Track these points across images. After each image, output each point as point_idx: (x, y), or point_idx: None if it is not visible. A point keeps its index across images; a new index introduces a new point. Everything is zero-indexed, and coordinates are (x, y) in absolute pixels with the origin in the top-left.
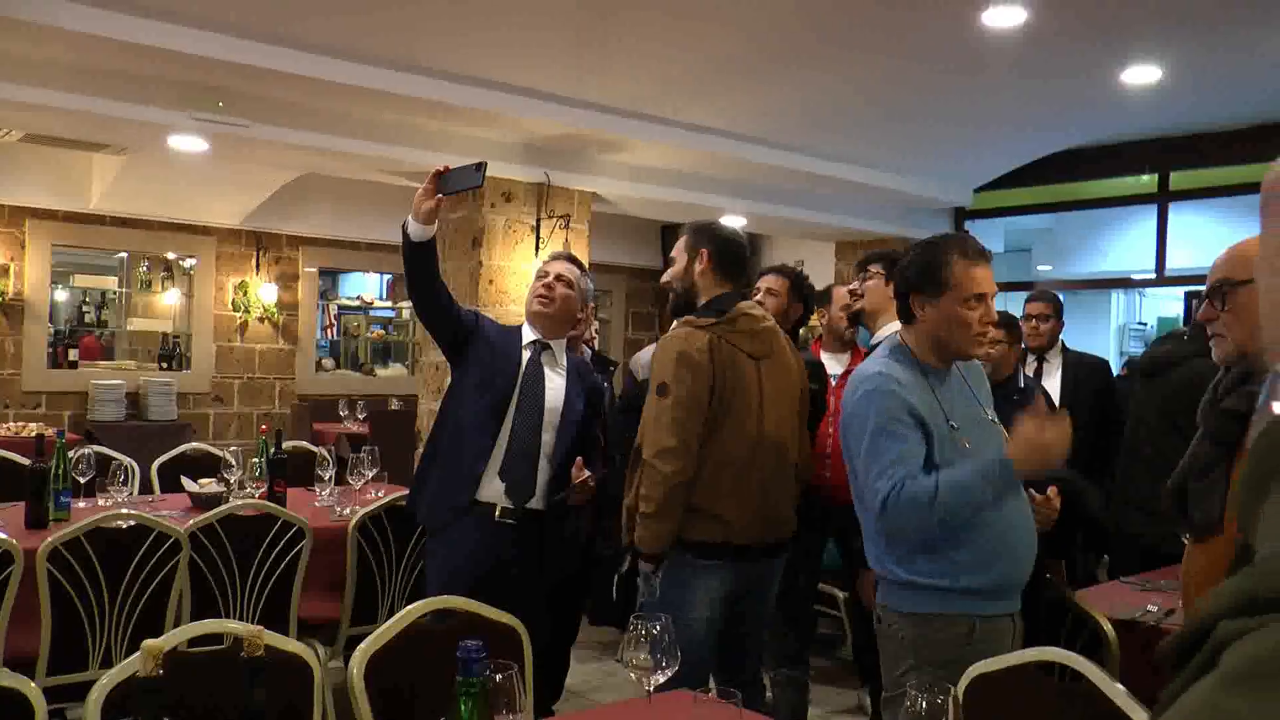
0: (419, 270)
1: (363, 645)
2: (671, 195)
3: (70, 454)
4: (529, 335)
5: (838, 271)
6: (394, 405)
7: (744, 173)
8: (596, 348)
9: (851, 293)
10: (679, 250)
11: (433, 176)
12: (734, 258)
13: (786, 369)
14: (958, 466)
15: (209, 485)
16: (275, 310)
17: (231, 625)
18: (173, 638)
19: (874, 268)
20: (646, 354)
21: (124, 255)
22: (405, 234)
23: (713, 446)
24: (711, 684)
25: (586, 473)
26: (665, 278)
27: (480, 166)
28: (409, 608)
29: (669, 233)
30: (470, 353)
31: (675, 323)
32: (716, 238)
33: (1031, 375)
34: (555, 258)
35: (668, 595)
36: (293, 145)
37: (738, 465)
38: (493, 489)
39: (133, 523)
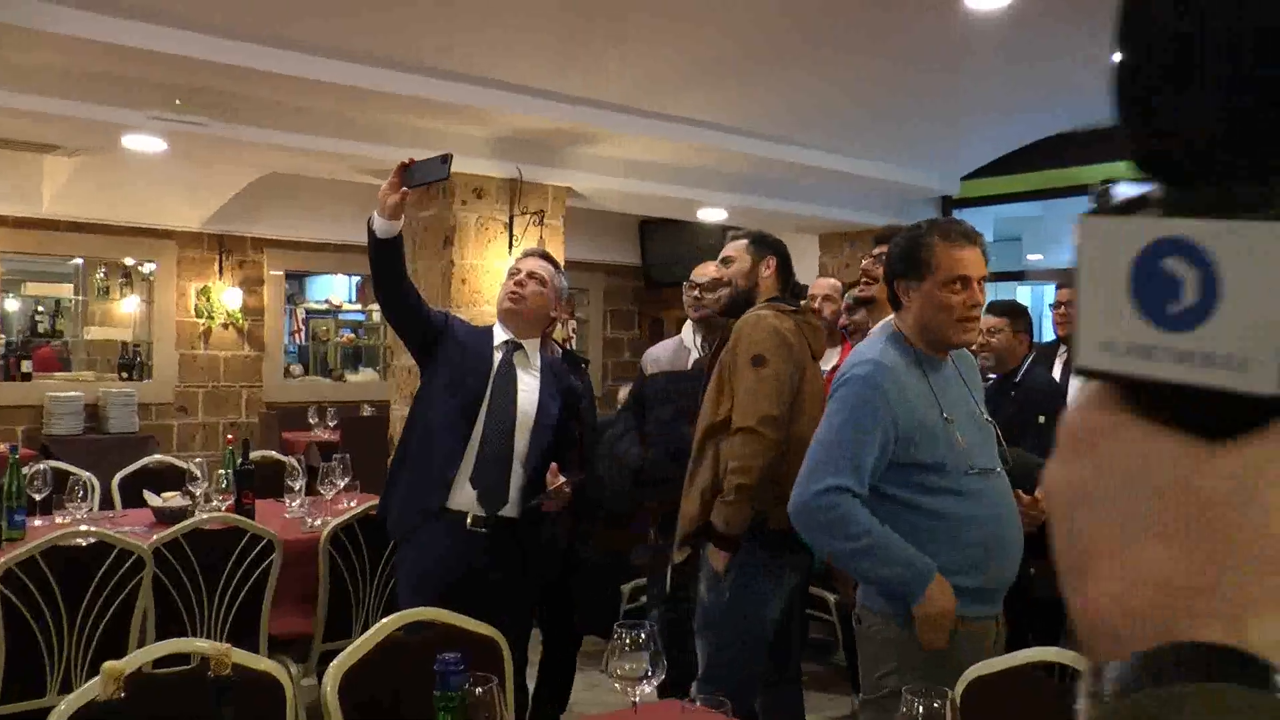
0: (385, 269)
1: (336, 661)
2: (650, 189)
3: (24, 470)
4: (500, 335)
5: (822, 265)
6: (366, 411)
7: (725, 164)
8: (574, 347)
9: (865, 273)
10: (739, 252)
11: (398, 170)
12: (791, 269)
13: (821, 374)
14: (895, 544)
15: (173, 499)
16: (240, 316)
17: (198, 644)
18: (135, 659)
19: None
20: (660, 350)
21: (79, 261)
22: (371, 231)
23: (792, 429)
24: (694, 691)
25: (562, 478)
26: (719, 274)
27: (446, 159)
28: (384, 620)
29: (648, 228)
30: (440, 353)
31: (752, 310)
32: (780, 248)
33: (1061, 366)
34: (528, 254)
35: (740, 596)
36: (255, 143)
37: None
38: (464, 496)
39: (92, 540)
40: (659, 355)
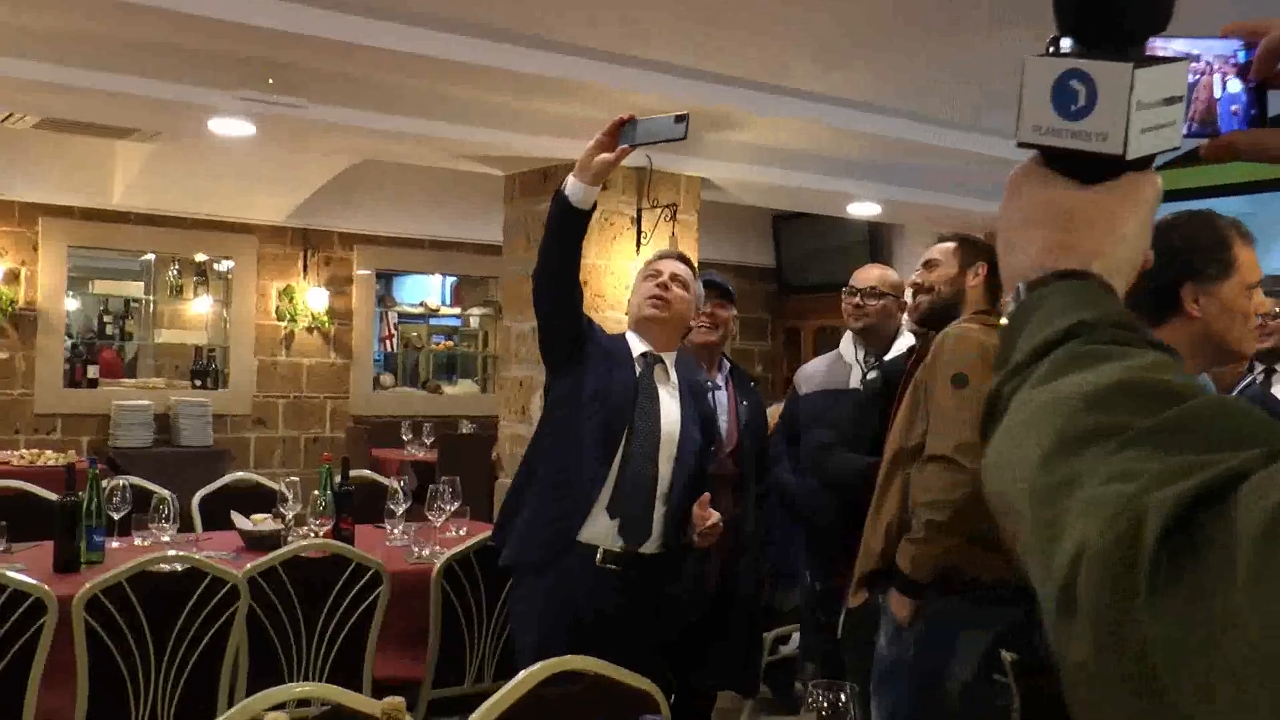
0: (565, 247)
1: (476, 716)
2: (795, 179)
3: (103, 485)
4: (638, 346)
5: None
6: (465, 428)
7: (879, 152)
8: (731, 361)
9: (918, 286)
10: (946, 256)
11: (614, 125)
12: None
13: None
14: None
15: (264, 522)
16: (326, 319)
17: (354, 699)
18: (271, 697)
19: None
20: (815, 366)
21: (150, 258)
22: (561, 198)
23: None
24: None
25: (715, 514)
26: (921, 279)
27: (682, 118)
28: (532, 669)
29: (783, 224)
30: (586, 361)
31: (958, 321)
32: (993, 255)
33: (1258, 383)
34: (664, 256)
35: (925, 652)
36: (348, 126)
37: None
38: (598, 528)
39: (183, 566)
40: (814, 372)
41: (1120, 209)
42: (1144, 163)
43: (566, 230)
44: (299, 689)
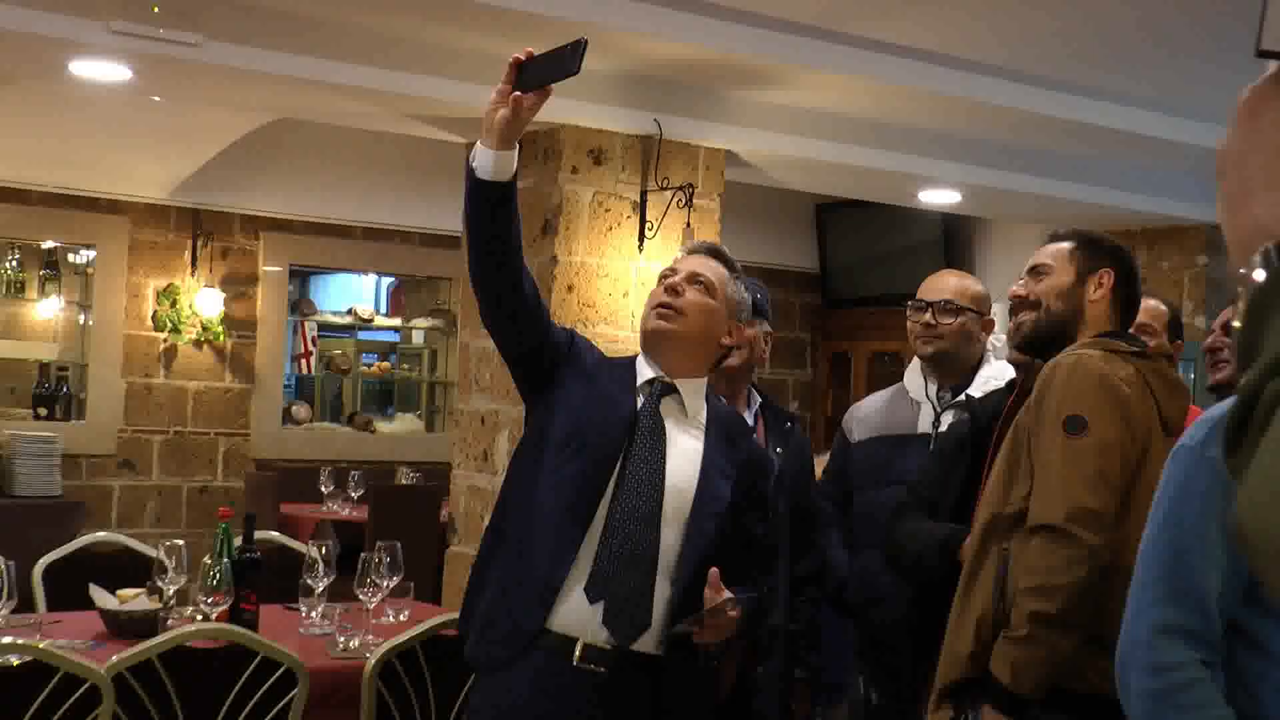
0: (489, 233)
1: None
2: (846, 155)
3: None
4: (645, 372)
5: None
6: (406, 478)
7: (961, 120)
8: (761, 393)
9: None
10: (1059, 261)
11: (510, 67)
12: (1136, 291)
13: None
14: None
15: (135, 599)
16: (220, 329)
17: None
18: None
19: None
20: (871, 405)
21: None
22: (469, 171)
23: (1125, 532)
24: None
25: (727, 594)
26: (1025, 290)
27: (577, 47)
28: None
29: (830, 215)
30: (558, 389)
31: (1074, 346)
32: (1123, 258)
33: None
34: (694, 251)
35: None
36: (259, 74)
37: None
38: (576, 615)
39: (22, 659)
40: (870, 412)
41: None
42: None
43: (484, 214)
44: None
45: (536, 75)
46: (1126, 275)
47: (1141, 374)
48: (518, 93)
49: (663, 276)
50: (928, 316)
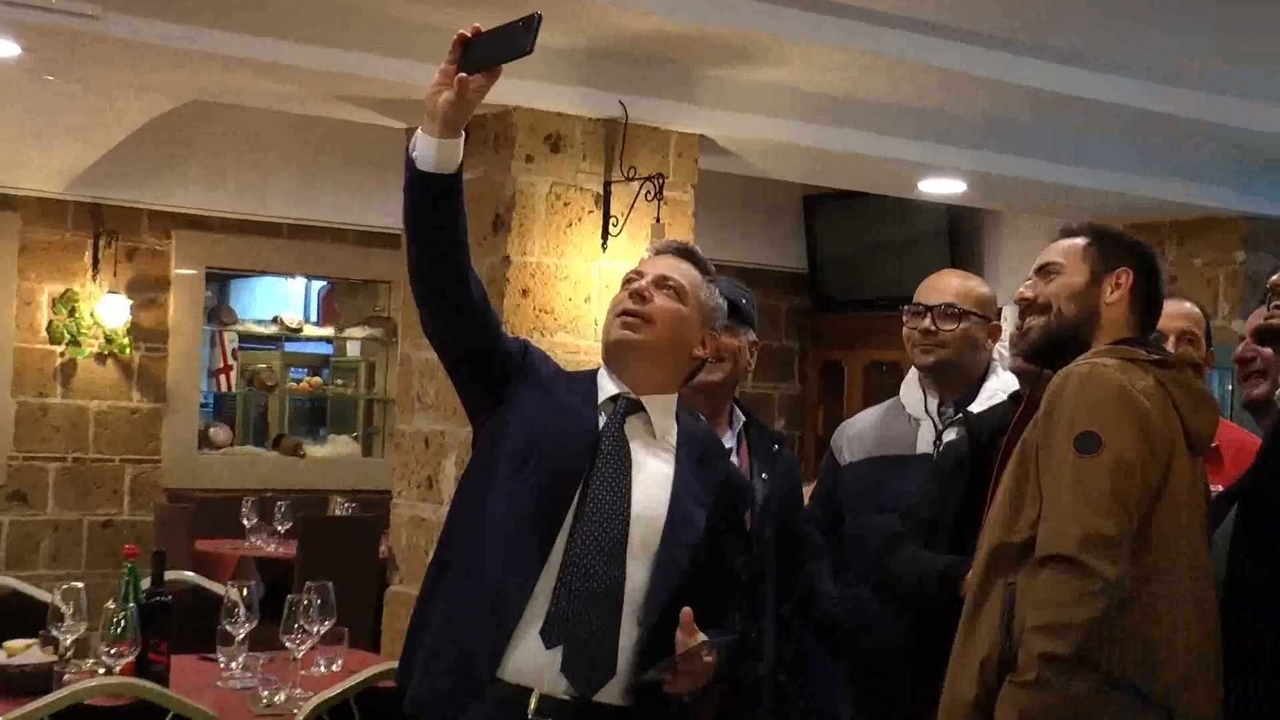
0: (430, 229)
1: None
2: (837, 140)
3: None
4: (608, 387)
5: None
6: (339, 509)
7: (966, 100)
8: (745, 410)
9: (1028, 302)
10: (1070, 257)
11: (455, 44)
12: (1158, 290)
13: (1204, 478)
14: None
15: (26, 651)
16: (127, 341)
17: None
18: None
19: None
20: (863, 422)
21: None
22: (410, 162)
23: (1145, 563)
24: None
25: (701, 637)
26: (1034, 291)
27: (530, 23)
28: None
29: (819, 208)
30: (510, 404)
31: (1087, 354)
32: (1143, 254)
33: None
34: (661, 251)
35: None
36: (169, 49)
37: (1182, 607)
38: (531, 660)
39: None
40: (862, 429)
41: None
42: None
43: (425, 208)
44: None
45: (484, 54)
46: (1147, 274)
47: (1163, 385)
48: (463, 74)
49: (627, 280)
50: (927, 322)
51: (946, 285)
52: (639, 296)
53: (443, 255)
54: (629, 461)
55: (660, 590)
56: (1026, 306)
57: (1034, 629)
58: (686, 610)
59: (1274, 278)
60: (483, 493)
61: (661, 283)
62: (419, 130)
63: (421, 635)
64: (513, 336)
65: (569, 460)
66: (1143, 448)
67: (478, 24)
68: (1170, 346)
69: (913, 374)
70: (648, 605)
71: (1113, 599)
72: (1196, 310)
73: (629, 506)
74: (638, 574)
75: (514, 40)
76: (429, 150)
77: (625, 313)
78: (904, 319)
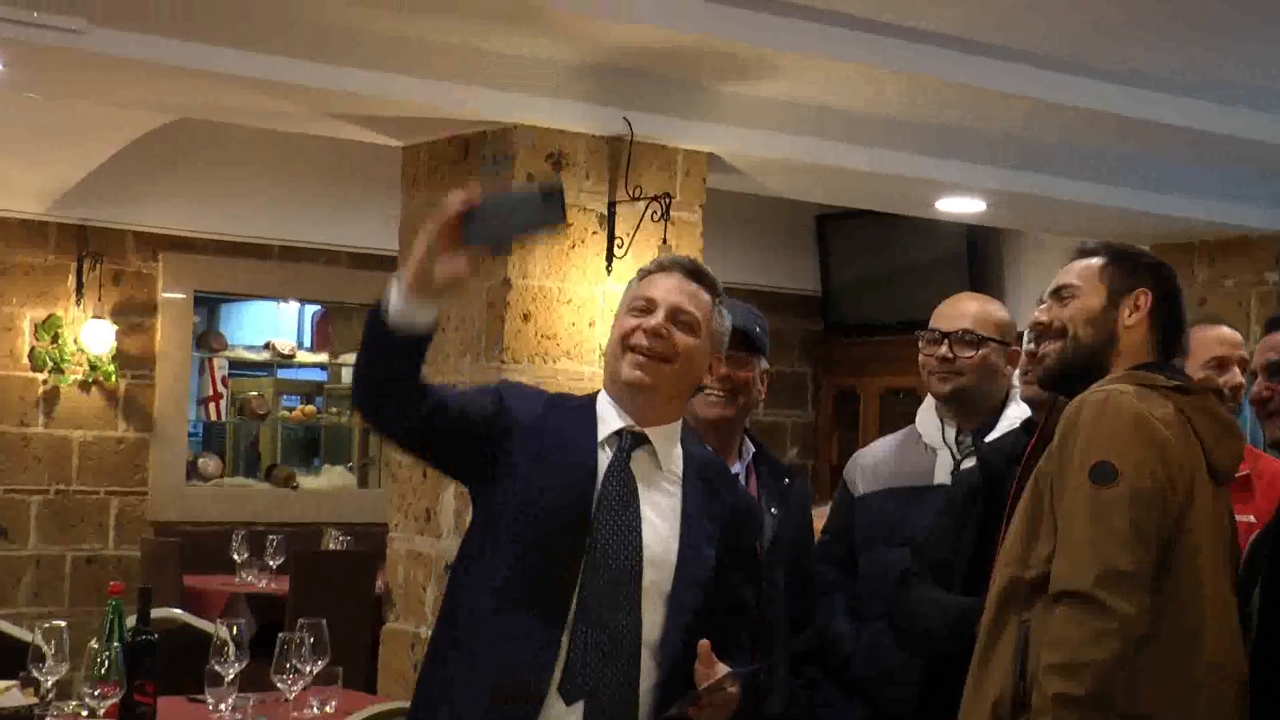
0: (387, 378)
1: None
2: (851, 159)
3: None
4: (611, 420)
5: None
6: (334, 542)
7: (986, 115)
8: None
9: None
10: (1086, 279)
11: (455, 214)
12: (1179, 314)
13: (1228, 509)
14: None
15: (4, 694)
16: (112, 368)
17: None
18: None
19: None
20: (878, 452)
21: None
22: (376, 313)
23: (1165, 597)
24: None
25: (723, 669)
26: (1048, 316)
27: (551, 192)
28: None
29: (832, 228)
30: (502, 468)
31: (1103, 381)
32: (1165, 275)
33: None
34: (665, 267)
35: None
36: (157, 66)
37: (1202, 642)
38: (553, 715)
39: None
40: (877, 460)
41: None
42: None
43: (385, 361)
44: None
45: (494, 225)
46: (1166, 295)
47: (1183, 412)
48: (466, 244)
49: (633, 304)
50: (944, 349)
51: (964, 310)
52: (658, 334)
53: (401, 397)
54: (636, 502)
55: (675, 630)
56: (1041, 332)
57: (1048, 668)
58: (704, 643)
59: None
60: (486, 563)
61: (675, 316)
62: (394, 283)
63: (429, 704)
64: (479, 389)
65: (571, 512)
66: (1162, 478)
67: (477, 186)
68: (1207, 373)
69: (929, 402)
70: (664, 646)
71: (1130, 637)
72: (1235, 334)
73: (640, 550)
74: (652, 616)
75: (533, 210)
76: (410, 311)
77: (643, 352)
78: (919, 345)
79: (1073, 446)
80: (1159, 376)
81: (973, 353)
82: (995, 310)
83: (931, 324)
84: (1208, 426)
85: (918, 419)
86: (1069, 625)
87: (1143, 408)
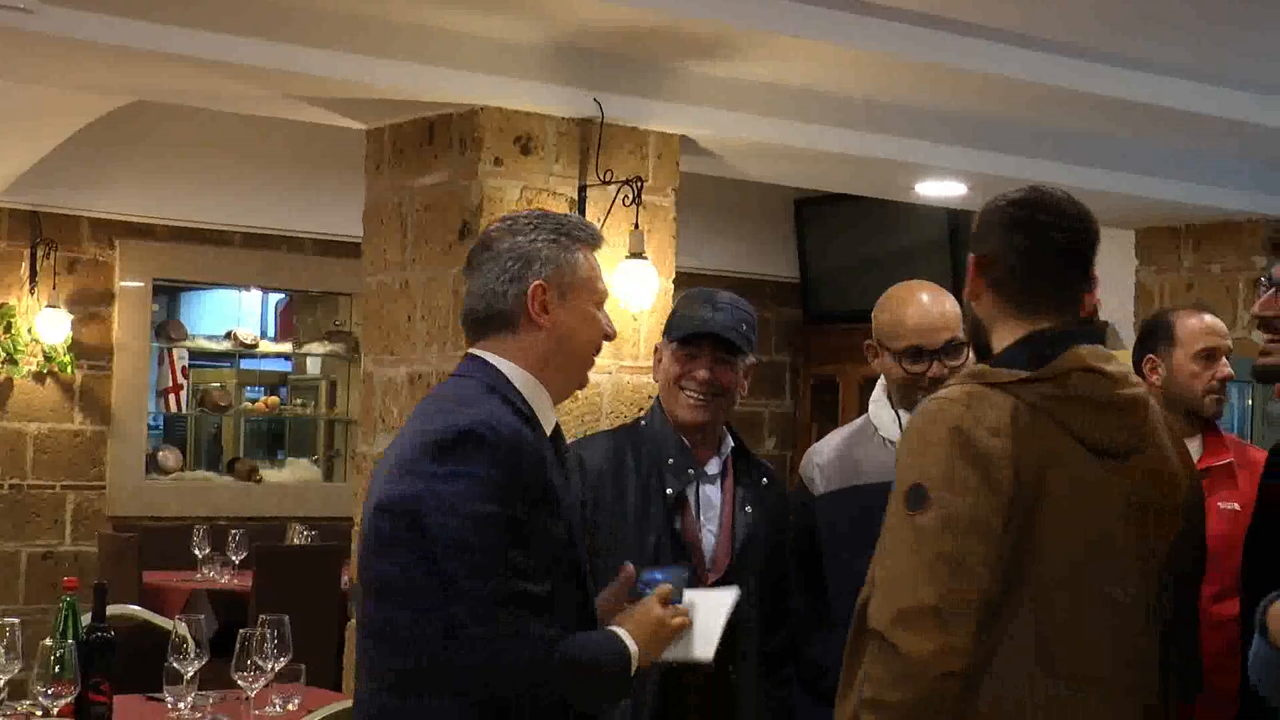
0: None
1: None
2: (828, 141)
3: None
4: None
5: (1140, 283)
6: (298, 537)
7: (967, 97)
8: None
9: (1264, 321)
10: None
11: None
12: (1038, 261)
13: (1167, 480)
14: None
15: None
16: (68, 359)
17: None
18: None
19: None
20: (830, 446)
21: None
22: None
23: (1017, 628)
24: None
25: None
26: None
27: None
28: None
29: (810, 213)
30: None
31: (953, 379)
32: (1009, 223)
33: None
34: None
35: None
36: (112, 47)
37: (1089, 676)
38: None
39: None
40: (831, 455)
41: None
42: None
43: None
44: None
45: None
46: (1009, 245)
47: (1035, 406)
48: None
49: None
50: (934, 369)
51: (940, 317)
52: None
53: None
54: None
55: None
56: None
57: (862, 703)
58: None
59: (1264, 292)
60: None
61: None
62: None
63: None
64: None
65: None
66: (982, 499)
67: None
68: (1195, 362)
69: (880, 391)
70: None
71: (934, 677)
72: (1222, 323)
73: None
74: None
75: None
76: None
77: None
78: (896, 361)
79: (899, 466)
80: (1000, 372)
81: (961, 360)
82: (953, 302)
83: (905, 339)
84: (1075, 409)
85: (870, 411)
86: (874, 664)
87: (966, 417)
